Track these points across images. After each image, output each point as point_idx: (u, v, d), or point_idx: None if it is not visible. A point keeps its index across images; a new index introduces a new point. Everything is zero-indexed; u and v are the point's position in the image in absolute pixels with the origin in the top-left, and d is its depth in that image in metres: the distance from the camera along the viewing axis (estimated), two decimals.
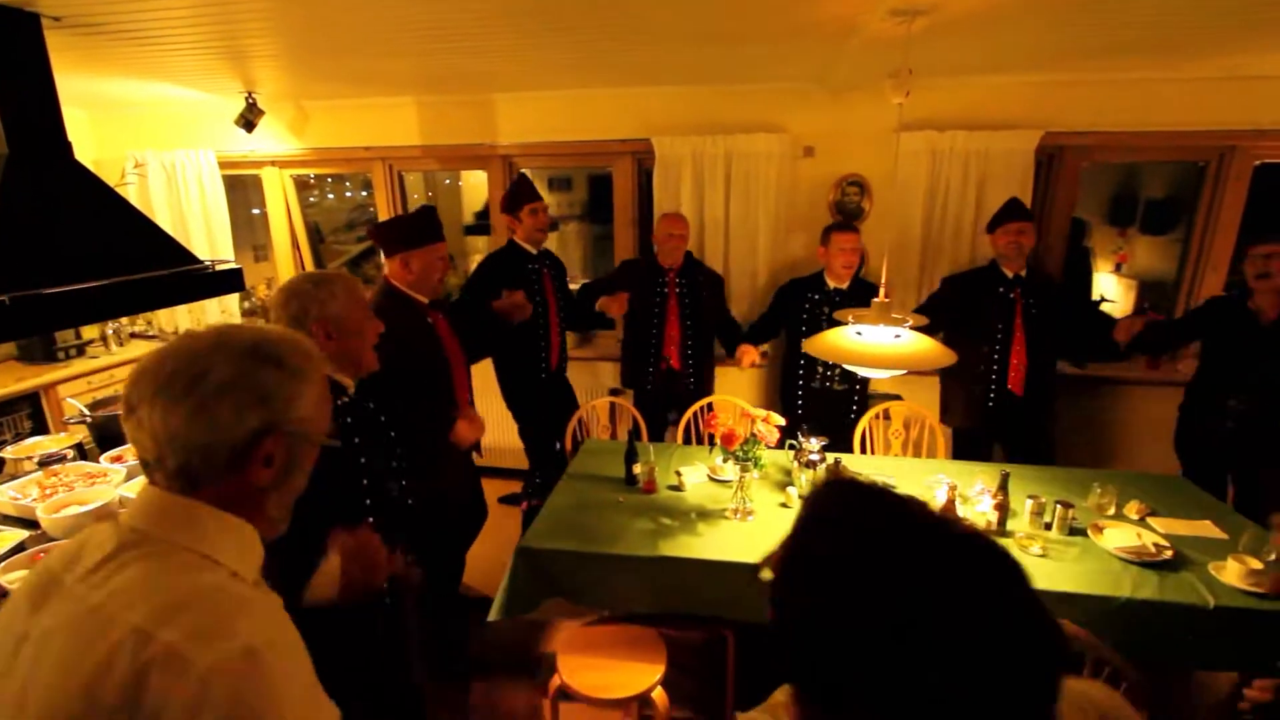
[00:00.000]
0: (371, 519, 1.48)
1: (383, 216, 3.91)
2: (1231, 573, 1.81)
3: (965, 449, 3.06)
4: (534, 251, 3.01)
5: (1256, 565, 1.79)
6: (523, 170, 3.13)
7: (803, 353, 2.95)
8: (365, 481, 1.50)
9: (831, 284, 2.99)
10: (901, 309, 2.93)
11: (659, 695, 1.86)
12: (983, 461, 2.77)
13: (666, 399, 3.24)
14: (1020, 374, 2.81)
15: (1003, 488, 2.11)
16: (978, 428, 2.99)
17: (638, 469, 2.43)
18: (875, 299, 2.02)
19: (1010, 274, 2.82)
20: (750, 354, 3.06)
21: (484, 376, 3.01)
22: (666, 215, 3.09)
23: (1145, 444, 3.32)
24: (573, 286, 3.34)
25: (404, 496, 1.67)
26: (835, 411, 3.03)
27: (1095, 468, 2.84)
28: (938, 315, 2.69)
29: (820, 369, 3.04)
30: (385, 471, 1.58)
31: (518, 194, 2.95)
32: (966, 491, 2.26)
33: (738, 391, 3.39)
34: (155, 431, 0.72)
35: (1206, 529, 2.09)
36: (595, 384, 3.74)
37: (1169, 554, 1.92)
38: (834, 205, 3.37)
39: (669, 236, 3.02)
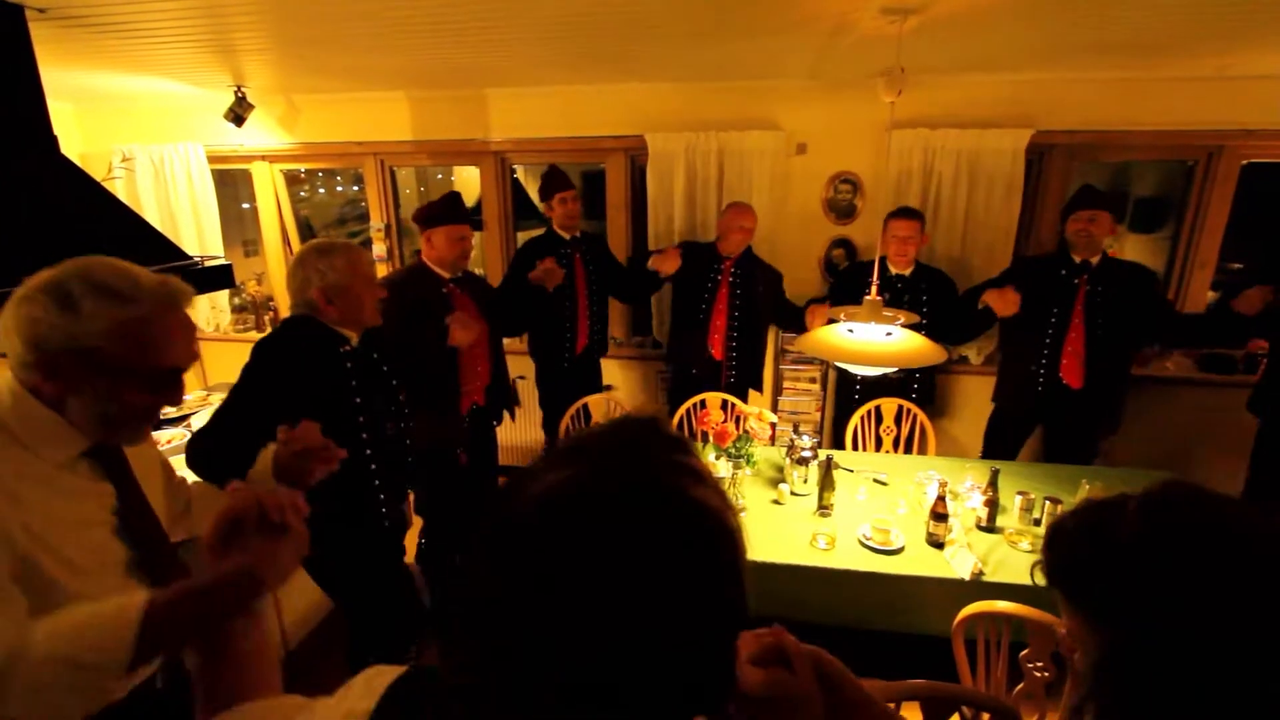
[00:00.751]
0: (368, 451, 1.81)
1: (374, 212, 3.89)
2: None
3: (999, 430, 3.03)
4: (566, 237, 3.06)
5: None
6: (552, 164, 3.12)
7: None
8: (361, 418, 1.80)
9: (893, 270, 2.95)
10: (967, 282, 3.03)
11: None
12: (1009, 447, 2.79)
13: (703, 387, 3.12)
14: (1075, 364, 2.72)
15: (992, 484, 2.13)
16: (1020, 412, 2.95)
17: None
18: (868, 297, 2.02)
19: (1078, 260, 2.73)
20: (819, 315, 2.91)
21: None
22: (735, 206, 3.02)
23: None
24: None
25: (401, 436, 1.95)
26: (891, 397, 3.01)
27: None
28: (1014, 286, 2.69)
29: None
30: (384, 413, 1.87)
31: (548, 184, 3.04)
32: (957, 488, 2.28)
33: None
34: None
35: None
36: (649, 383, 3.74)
37: None
38: (826, 203, 3.38)
39: (738, 229, 2.95)
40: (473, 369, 2.61)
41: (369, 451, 1.83)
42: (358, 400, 1.79)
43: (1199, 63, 2.72)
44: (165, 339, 1.00)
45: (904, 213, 2.90)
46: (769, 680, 0.62)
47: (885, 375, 2.95)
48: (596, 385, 3.35)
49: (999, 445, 3.03)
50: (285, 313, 4.34)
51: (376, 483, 1.87)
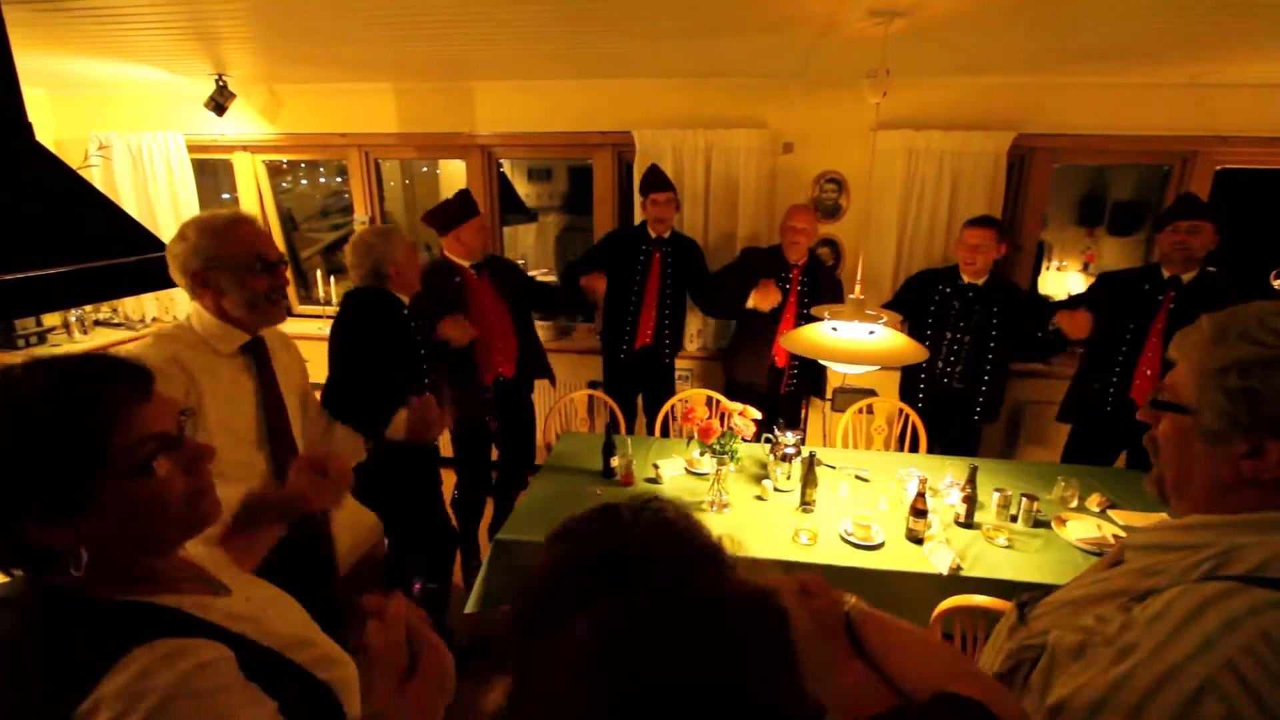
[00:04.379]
0: (427, 379, 2.28)
1: (358, 205, 3.86)
2: None
3: (1080, 450, 2.82)
4: (653, 235, 3.11)
5: None
6: (654, 163, 3.13)
7: (927, 348, 2.78)
8: (425, 365, 2.29)
9: (966, 279, 2.82)
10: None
11: None
12: (1098, 466, 2.62)
13: (767, 398, 3.06)
14: (1148, 385, 2.52)
15: (971, 481, 2.17)
16: (1092, 431, 2.78)
17: (615, 462, 2.44)
18: (851, 296, 2.05)
19: (1167, 274, 2.55)
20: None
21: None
22: (799, 208, 2.97)
23: None
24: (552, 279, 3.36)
25: (435, 387, 2.34)
26: (955, 410, 2.90)
27: None
28: (1092, 305, 2.60)
29: (940, 364, 2.88)
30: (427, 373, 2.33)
31: (645, 182, 3.08)
32: (936, 484, 2.31)
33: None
34: None
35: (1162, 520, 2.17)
36: (574, 376, 3.74)
37: None
38: (812, 202, 3.40)
39: (800, 232, 2.90)
40: (493, 345, 2.80)
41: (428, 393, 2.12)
42: (422, 351, 2.28)
43: (1175, 70, 2.77)
44: (243, 239, 1.48)
45: (979, 221, 2.78)
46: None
47: (945, 381, 2.89)
48: (658, 383, 3.34)
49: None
50: None
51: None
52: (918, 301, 2.96)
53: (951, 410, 2.92)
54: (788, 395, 3.14)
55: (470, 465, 2.94)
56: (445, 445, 2.85)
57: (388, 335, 2.18)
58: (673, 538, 0.52)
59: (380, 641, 0.72)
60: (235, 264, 1.46)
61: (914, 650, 0.71)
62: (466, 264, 2.76)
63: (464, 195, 2.76)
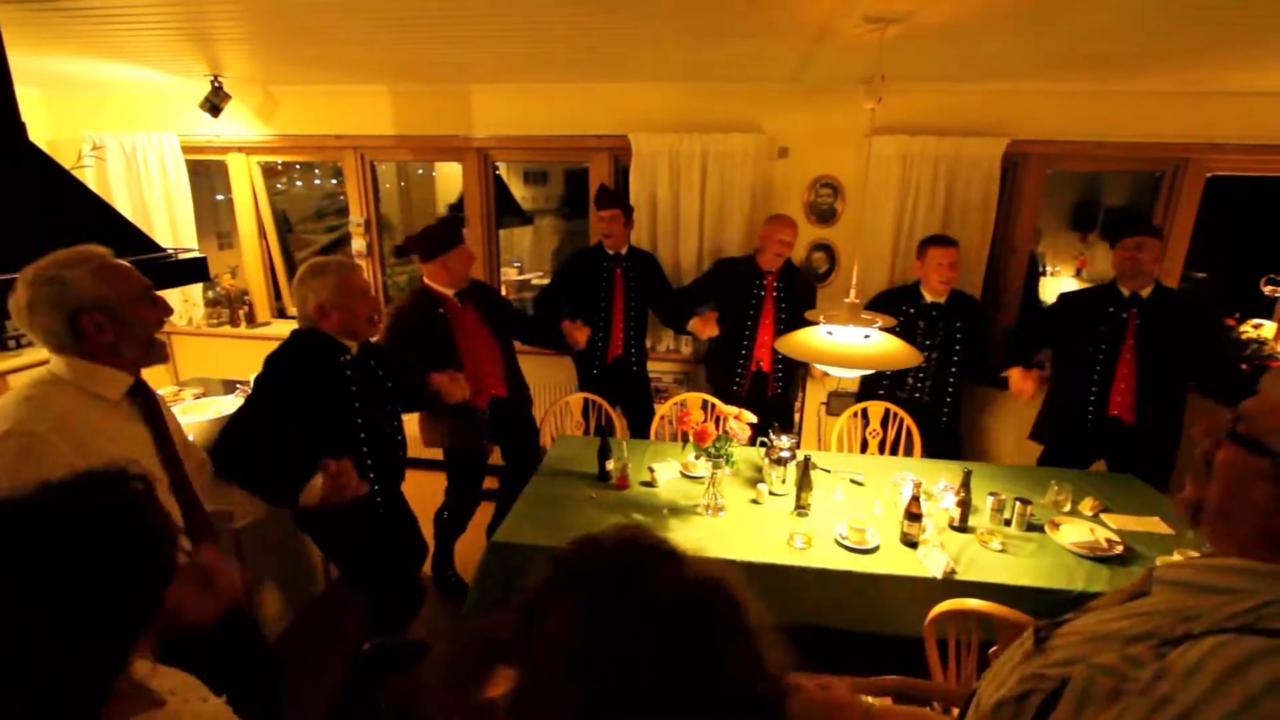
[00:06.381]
0: (365, 448, 2.01)
1: (353, 207, 3.84)
2: None
3: (1055, 464, 2.82)
4: (610, 252, 3.15)
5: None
6: (603, 184, 3.26)
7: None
8: (359, 420, 1.99)
9: (929, 297, 2.90)
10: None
11: None
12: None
13: (753, 404, 3.07)
14: (1127, 400, 2.62)
15: (965, 485, 2.17)
16: (1066, 447, 2.83)
17: (611, 465, 2.43)
18: (847, 300, 2.05)
19: (1126, 292, 2.63)
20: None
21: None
22: (777, 218, 3.00)
23: None
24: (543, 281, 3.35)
25: (394, 434, 2.16)
26: (924, 422, 2.95)
27: None
28: (1048, 332, 2.75)
29: (910, 379, 2.97)
30: (381, 415, 2.08)
31: (597, 200, 3.12)
32: (931, 488, 2.32)
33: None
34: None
35: (1155, 525, 2.18)
36: (568, 379, 3.74)
37: (1120, 549, 2.00)
38: (807, 206, 3.42)
39: (778, 242, 2.95)
40: (482, 371, 2.72)
41: (365, 449, 2.01)
42: (357, 405, 1.99)
43: (1167, 78, 2.80)
44: (126, 272, 1.36)
45: (944, 239, 2.86)
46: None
47: (915, 395, 2.98)
48: (634, 390, 3.38)
49: None
50: (260, 307, 4.27)
51: (371, 475, 2.02)
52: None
53: (922, 420, 2.96)
54: (775, 399, 3.17)
55: (461, 489, 2.89)
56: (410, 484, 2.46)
57: (302, 387, 1.87)
58: (630, 539, 0.63)
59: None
60: (131, 299, 1.33)
61: None
62: (450, 292, 2.65)
63: (451, 221, 2.75)
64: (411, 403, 2.40)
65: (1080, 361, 2.72)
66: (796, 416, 3.56)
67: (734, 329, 3.09)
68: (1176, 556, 1.91)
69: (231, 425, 1.81)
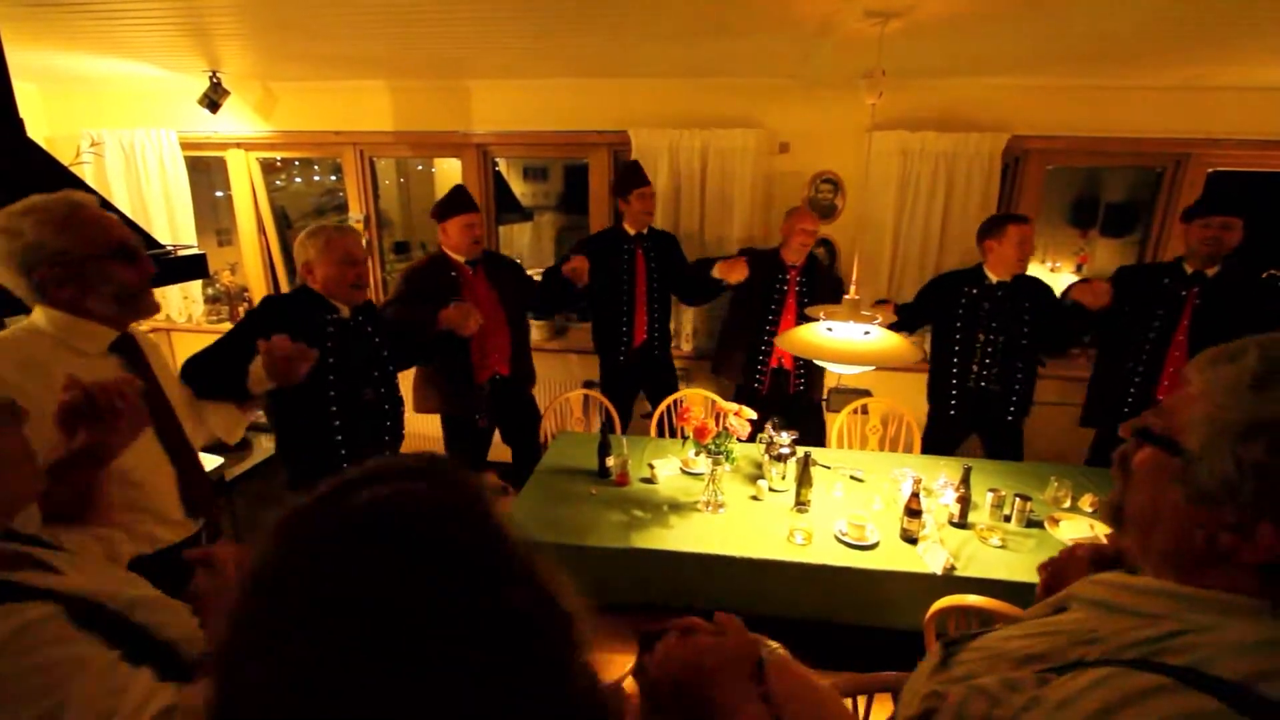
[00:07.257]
0: (334, 408, 2.04)
1: (352, 203, 3.84)
2: None
3: (1106, 456, 2.66)
4: (632, 233, 3.09)
5: None
6: (634, 158, 3.17)
7: (956, 350, 2.76)
8: (332, 378, 2.03)
9: (994, 278, 2.72)
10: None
11: (629, 685, 1.88)
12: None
13: (773, 402, 3.04)
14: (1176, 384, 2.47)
15: (965, 481, 2.18)
16: (1111, 431, 2.66)
17: (611, 461, 2.44)
18: (847, 296, 2.05)
19: (1190, 270, 2.47)
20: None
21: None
22: (798, 211, 2.95)
23: None
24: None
25: (380, 401, 2.19)
26: (990, 412, 2.80)
27: None
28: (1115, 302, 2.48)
29: (975, 368, 2.77)
30: (363, 380, 2.12)
31: (628, 178, 3.03)
32: (930, 484, 2.32)
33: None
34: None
35: None
36: (568, 377, 3.74)
37: None
38: (808, 201, 3.41)
39: (800, 232, 2.88)
40: (487, 343, 2.78)
41: (334, 409, 2.06)
42: (330, 361, 2.03)
43: (1168, 73, 2.79)
44: (93, 225, 1.29)
45: (1023, 218, 2.68)
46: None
47: (981, 385, 2.76)
48: (661, 380, 3.31)
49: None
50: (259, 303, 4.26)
51: (339, 438, 2.07)
52: (941, 305, 2.84)
53: (985, 412, 2.80)
54: (796, 396, 3.08)
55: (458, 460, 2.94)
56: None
57: (281, 329, 1.87)
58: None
59: (207, 586, 0.84)
60: (96, 253, 1.27)
61: (811, 706, 0.72)
62: (461, 259, 2.76)
63: (457, 190, 2.79)
64: (414, 355, 2.55)
65: (1128, 341, 2.58)
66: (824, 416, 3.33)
67: (755, 323, 3.03)
68: None
69: (209, 347, 1.88)
